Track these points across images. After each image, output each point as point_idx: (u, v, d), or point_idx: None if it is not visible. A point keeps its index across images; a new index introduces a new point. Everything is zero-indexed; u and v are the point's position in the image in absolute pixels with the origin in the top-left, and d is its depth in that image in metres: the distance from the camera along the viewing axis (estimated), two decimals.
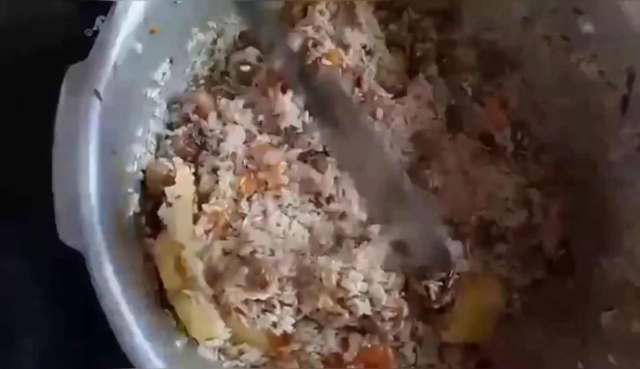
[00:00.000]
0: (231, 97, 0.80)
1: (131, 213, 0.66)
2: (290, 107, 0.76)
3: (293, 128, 0.76)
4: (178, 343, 0.64)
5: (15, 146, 0.82)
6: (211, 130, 0.76)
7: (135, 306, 0.56)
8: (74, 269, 0.57)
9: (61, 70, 0.61)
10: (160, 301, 0.65)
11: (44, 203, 0.57)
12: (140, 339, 0.54)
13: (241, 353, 0.72)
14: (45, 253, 0.74)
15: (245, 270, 0.69)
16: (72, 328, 0.79)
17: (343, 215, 0.78)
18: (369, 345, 0.74)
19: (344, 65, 0.77)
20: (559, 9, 0.77)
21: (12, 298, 0.80)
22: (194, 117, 0.77)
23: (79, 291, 0.56)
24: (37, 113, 0.60)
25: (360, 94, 0.78)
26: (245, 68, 0.80)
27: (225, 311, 0.70)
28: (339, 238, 0.78)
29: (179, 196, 0.68)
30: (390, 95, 0.80)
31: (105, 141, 0.58)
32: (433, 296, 0.74)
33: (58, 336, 0.80)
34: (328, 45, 0.77)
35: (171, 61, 0.75)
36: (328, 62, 0.76)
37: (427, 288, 0.74)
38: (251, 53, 0.80)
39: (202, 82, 0.82)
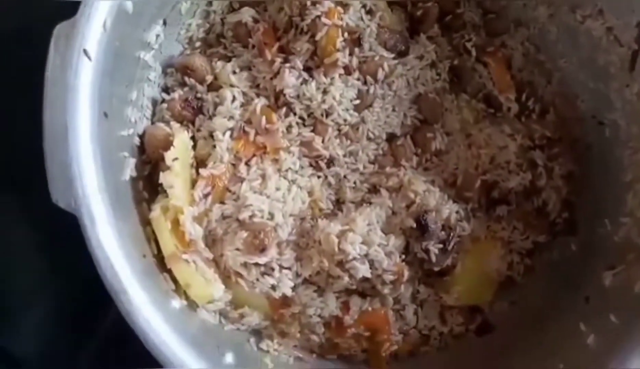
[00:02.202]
0: (228, 60, 0.78)
1: (127, 177, 0.65)
2: (288, 68, 0.74)
3: (291, 89, 0.75)
4: (177, 305, 0.64)
5: (12, 114, 0.81)
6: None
7: (131, 267, 0.56)
8: (74, 238, 0.57)
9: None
10: (159, 264, 0.65)
11: (43, 172, 0.56)
12: (136, 299, 0.54)
13: (242, 316, 0.72)
14: (45, 223, 0.74)
15: (244, 234, 0.68)
16: (71, 297, 0.80)
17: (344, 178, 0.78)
18: (370, 308, 0.74)
19: (344, 25, 0.75)
20: None
21: (13, 267, 0.81)
22: (190, 81, 0.75)
23: (79, 260, 0.56)
24: (32, 80, 0.59)
25: (361, 55, 0.76)
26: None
27: (225, 274, 0.70)
28: (339, 202, 0.78)
29: (176, 159, 0.67)
30: (392, 56, 0.77)
31: (96, 103, 0.57)
32: (433, 259, 0.73)
33: (57, 305, 0.81)
34: (327, 3, 0.74)
35: (165, 23, 0.72)
36: (327, 21, 0.73)
37: (427, 251, 0.73)
38: (247, 13, 0.78)
39: (197, 44, 0.79)
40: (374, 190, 0.78)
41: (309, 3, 0.74)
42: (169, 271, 0.65)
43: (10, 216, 0.80)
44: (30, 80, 0.56)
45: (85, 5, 0.55)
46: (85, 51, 0.54)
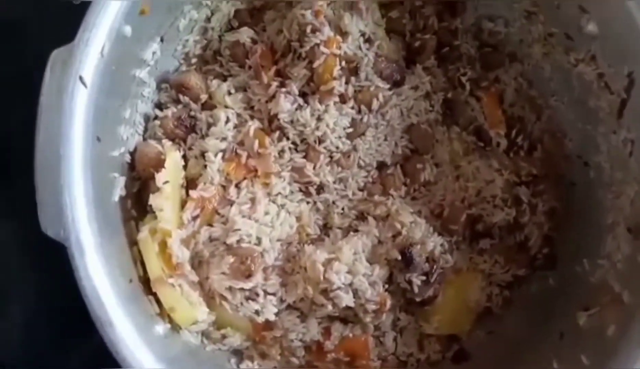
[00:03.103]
0: (223, 79, 0.78)
1: (117, 198, 0.65)
2: (284, 93, 0.74)
3: (285, 114, 0.75)
4: (160, 330, 0.64)
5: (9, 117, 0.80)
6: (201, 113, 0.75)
7: (117, 295, 0.56)
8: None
9: (47, 42, 0.58)
10: (144, 288, 0.65)
11: (28, 171, 0.56)
12: (120, 329, 0.54)
13: (224, 337, 0.73)
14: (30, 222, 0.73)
15: (231, 259, 0.69)
16: (56, 296, 0.79)
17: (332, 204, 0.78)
18: (351, 334, 0.76)
19: (342, 53, 0.75)
20: (564, 5, 0.75)
21: (4, 271, 0.80)
22: (184, 99, 0.75)
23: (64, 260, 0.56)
24: (23, 83, 0.58)
25: (357, 84, 0.76)
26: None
27: (209, 296, 0.70)
28: (326, 227, 0.79)
29: (167, 182, 0.67)
30: (388, 86, 0.78)
31: (90, 127, 0.56)
32: (416, 290, 0.75)
33: (44, 304, 0.80)
34: (327, 32, 0.74)
35: (162, 40, 0.72)
36: (326, 50, 0.73)
37: (410, 282, 0.74)
38: (245, 34, 0.77)
39: (193, 61, 0.79)
40: (362, 217, 0.79)
41: (308, 30, 0.74)
42: (154, 294, 0.65)
43: (3, 216, 0.79)
44: (28, 89, 0.55)
45: (84, 30, 0.54)
46: (81, 78, 0.53)
